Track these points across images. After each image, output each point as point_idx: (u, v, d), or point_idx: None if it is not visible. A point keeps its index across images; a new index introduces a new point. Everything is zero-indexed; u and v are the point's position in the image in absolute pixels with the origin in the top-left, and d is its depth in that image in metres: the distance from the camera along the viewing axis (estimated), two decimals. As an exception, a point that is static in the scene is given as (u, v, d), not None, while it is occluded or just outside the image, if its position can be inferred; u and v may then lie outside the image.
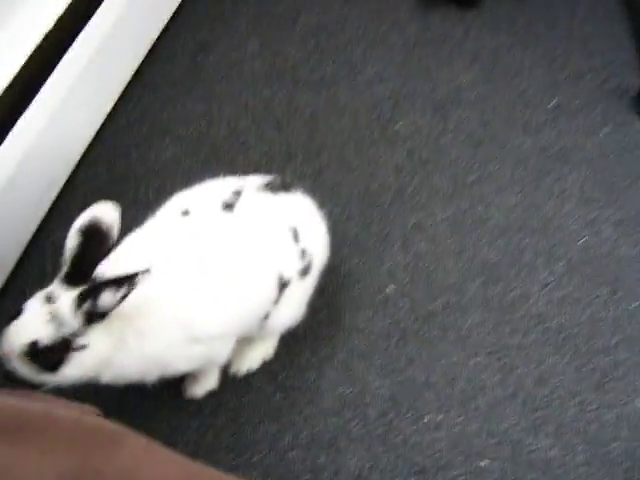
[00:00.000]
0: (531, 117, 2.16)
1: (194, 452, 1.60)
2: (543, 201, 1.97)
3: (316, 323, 1.77)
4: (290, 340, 1.75)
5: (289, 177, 1.71)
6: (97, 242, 1.25)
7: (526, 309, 1.81)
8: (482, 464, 1.61)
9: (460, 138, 2.10)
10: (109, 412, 1.62)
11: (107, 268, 1.26)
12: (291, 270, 1.48)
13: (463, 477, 1.59)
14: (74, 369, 1.25)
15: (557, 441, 1.64)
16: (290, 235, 1.48)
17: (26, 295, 1.82)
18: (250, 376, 1.70)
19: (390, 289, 1.82)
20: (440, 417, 1.66)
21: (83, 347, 1.23)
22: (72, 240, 1.24)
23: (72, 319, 1.20)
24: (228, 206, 1.43)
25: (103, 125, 2.12)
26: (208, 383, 1.66)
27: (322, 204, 1.78)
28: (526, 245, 1.90)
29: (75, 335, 1.21)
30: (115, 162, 2.06)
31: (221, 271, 1.38)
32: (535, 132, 2.12)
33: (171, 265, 1.35)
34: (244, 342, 1.62)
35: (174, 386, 1.65)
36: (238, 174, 1.56)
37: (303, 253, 1.50)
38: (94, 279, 1.23)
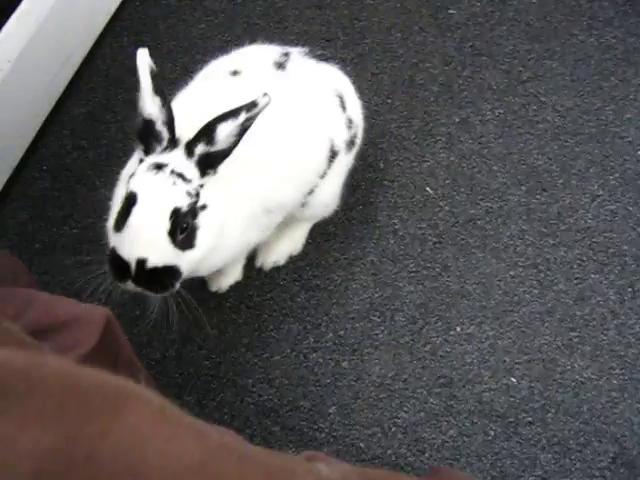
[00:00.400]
0: (597, 12, 1.96)
1: (214, 348, 1.55)
2: (602, 105, 1.81)
3: (348, 221, 1.67)
4: (319, 238, 1.65)
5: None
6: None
7: (572, 221, 1.69)
8: (511, 381, 1.54)
9: (517, 30, 1.91)
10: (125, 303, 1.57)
11: None
12: (340, 139, 1.43)
13: (490, 393, 1.52)
14: (206, 236, 1.19)
15: (592, 363, 1.56)
16: (337, 102, 1.42)
17: (42, 171, 1.74)
18: (275, 273, 1.62)
19: (430, 190, 1.71)
20: (472, 329, 1.58)
21: (205, 207, 1.17)
22: (154, 104, 1.14)
23: (190, 169, 1.15)
24: (280, 65, 1.36)
25: (130, -8, 1.96)
26: (233, 275, 1.58)
27: (362, 93, 1.63)
28: (579, 152, 1.76)
29: (196, 196, 1.16)
30: (141, 35, 1.92)
31: (281, 136, 1.31)
32: (600, 29, 1.92)
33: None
34: (273, 235, 1.53)
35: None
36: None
37: (350, 122, 1.44)
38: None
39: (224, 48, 1.80)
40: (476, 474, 1.47)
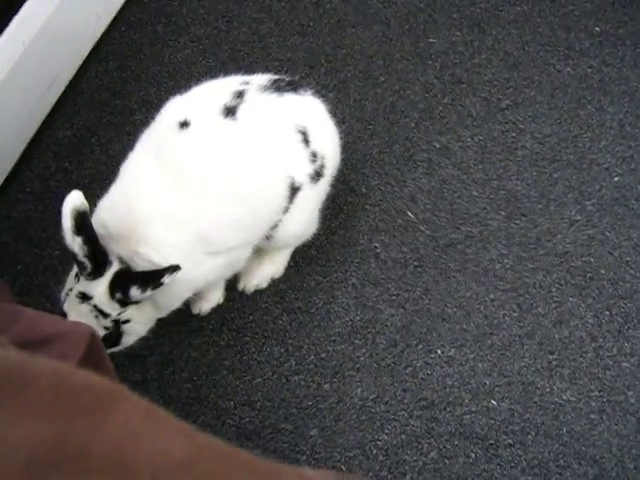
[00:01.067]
0: (573, 42, 2.00)
1: (195, 370, 1.55)
2: (579, 133, 1.85)
3: (329, 245, 1.69)
4: (301, 261, 1.67)
5: (305, 83, 1.58)
6: (90, 227, 1.23)
7: (551, 246, 1.71)
8: (492, 403, 1.55)
9: (496, 59, 1.95)
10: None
11: (117, 199, 1.31)
12: (302, 175, 1.41)
13: (470, 415, 1.54)
14: (131, 337, 1.36)
15: (571, 385, 1.57)
16: (299, 138, 1.40)
17: (26, 193, 1.75)
18: (257, 296, 1.63)
19: (411, 214, 1.73)
20: (452, 352, 1.59)
21: (128, 320, 1.31)
22: (75, 242, 1.21)
23: (111, 307, 1.27)
24: (230, 111, 1.34)
25: (115, 19, 1.98)
26: (214, 299, 1.59)
27: (344, 119, 1.67)
28: (557, 178, 1.79)
29: (116, 322, 1.30)
30: (126, 60, 1.94)
31: (230, 181, 1.32)
32: (576, 59, 1.97)
33: (180, 183, 1.29)
34: (254, 258, 1.54)
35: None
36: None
37: (314, 155, 1.43)
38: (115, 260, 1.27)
39: (207, 74, 1.83)
40: (457, 497, 1.47)
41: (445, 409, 1.54)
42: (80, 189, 1.74)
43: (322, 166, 1.46)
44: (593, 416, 1.55)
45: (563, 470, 1.51)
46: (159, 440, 0.51)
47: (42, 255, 1.67)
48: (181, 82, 1.86)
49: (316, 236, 1.64)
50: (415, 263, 1.67)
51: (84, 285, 1.26)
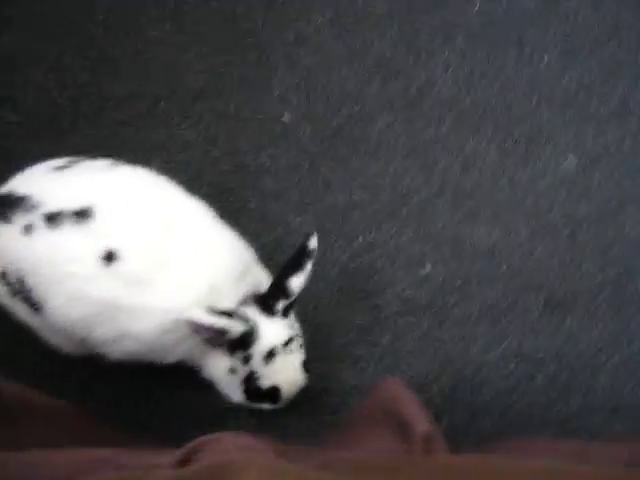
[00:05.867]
0: None
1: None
2: (427, -27, 1.77)
3: (218, 172, 1.61)
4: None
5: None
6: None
7: (434, 97, 1.67)
8: (425, 271, 1.53)
9: None
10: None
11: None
12: None
13: (410, 290, 1.52)
14: None
15: (496, 225, 1.57)
16: None
17: None
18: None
19: (287, 117, 1.66)
20: (372, 235, 1.56)
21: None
22: (226, 321, 1.16)
23: (288, 326, 1.26)
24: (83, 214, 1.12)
25: None
26: None
27: (186, 48, 1.56)
28: (419, 28, 1.72)
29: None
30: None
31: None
32: None
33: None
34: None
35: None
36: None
37: None
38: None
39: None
40: (422, 368, 1.47)
41: (383, 292, 1.52)
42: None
43: None
44: (526, 245, 1.55)
45: (514, 304, 1.52)
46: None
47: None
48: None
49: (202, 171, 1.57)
50: (307, 163, 1.61)
51: (255, 348, 1.22)
